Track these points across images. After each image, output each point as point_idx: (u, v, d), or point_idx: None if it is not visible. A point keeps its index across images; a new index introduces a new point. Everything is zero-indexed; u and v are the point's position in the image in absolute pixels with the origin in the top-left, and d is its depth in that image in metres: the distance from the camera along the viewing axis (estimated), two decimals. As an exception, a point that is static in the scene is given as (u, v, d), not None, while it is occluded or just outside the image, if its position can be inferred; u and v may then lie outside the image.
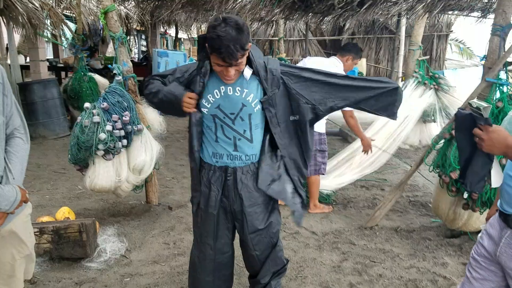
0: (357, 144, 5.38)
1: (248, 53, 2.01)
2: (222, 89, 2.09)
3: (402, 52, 10.56)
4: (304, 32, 13.28)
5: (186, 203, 4.45)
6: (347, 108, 4.14)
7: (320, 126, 4.10)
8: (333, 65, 4.19)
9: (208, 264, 2.32)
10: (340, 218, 4.20)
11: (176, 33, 13.77)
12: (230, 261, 2.41)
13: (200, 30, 15.66)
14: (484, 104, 1.49)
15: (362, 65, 12.71)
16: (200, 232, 2.32)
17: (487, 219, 1.91)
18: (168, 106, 2.18)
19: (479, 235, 1.88)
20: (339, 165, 5.20)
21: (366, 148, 4.23)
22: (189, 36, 15.74)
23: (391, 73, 12.14)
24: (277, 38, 9.81)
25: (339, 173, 5.06)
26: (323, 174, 4.23)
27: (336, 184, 4.80)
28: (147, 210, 4.24)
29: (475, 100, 1.56)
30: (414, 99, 5.57)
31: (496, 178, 1.59)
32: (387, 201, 3.96)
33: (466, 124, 1.55)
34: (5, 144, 1.83)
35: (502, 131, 1.49)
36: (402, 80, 7.36)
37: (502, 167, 1.65)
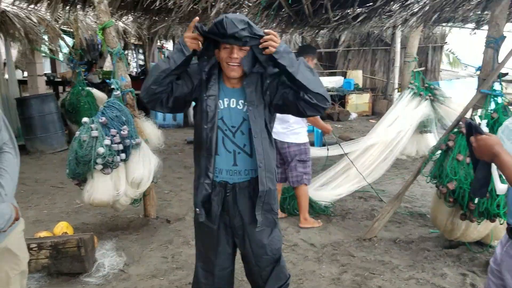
0: (354, 155, 5.41)
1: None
2: (226, 101, 2.12)
3: (397, 64, 10.67)
4: (300, 45, 13.41)
5: (184, 216, 4.44)
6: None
7: (299, 137, 4.11)
8: None
9: (211, 277, 2.33)
10: (339, 229, 4.20)
11: (173, 46, 13.87)
12: (231, 277, 2.40)
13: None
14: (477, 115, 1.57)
15: (358, 77, 12.82)
16: (202, 246, 2.34)
17: None
18: (169, 68, 2.03)
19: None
20: (336, 176, 5.21)
21: (328, 131, 4.46)
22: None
23: (387, 84, 12.26)
24: (273, 51, 9.85)
25: (336, 184, 5.07)
26: (307, 184, 4.21)
27: (335, 196, 4.81)
28: (145, 223, 4.23)
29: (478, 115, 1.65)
30: (410, 110, 5.61)
31: (500, 186, 1.66)
32: (385, 212, 3.97)
33: (467, 132, 1.66)
34: None
35: (490, 139, 1.56)
36: (398, 91, 7.42)
37: None
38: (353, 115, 11.69)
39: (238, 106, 2.13)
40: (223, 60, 2.05)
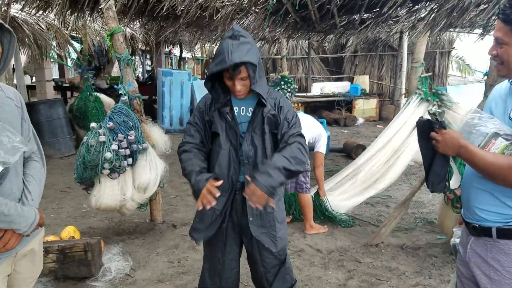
0: (361, 160, 5.39)
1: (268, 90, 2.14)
2: (236, 109, 2.18)
3: (404, 69, 10.64)
4: (307, 50, 13.43)
5: (190, 220, 4.41)
6: (322, 151, 4.27)
7: None
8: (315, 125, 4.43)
9: (217, 279, 2.34)
10: (345, 235, 4.18)
11: (181, 52, 13.94)
12: (237, 278, 2.41)
13: (204, 50, 15.86)
14: (439, 110, 1.60)
15: (365, 82, 12.80)
16: (209, 246, 2.35)
17: (460, 223, 1.96)
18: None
19: (453, 240, 1.93)
20: (343, 182, 5.20)
21: (322, 195, 4.53)
22: (193, 55, 15.92)
23: (394, 90, 12.23)
24: (280, 56, 9.92)
25: (343, 190, 5.05)
26: (308, 193, 4.22)
27: (350, 207, 4.74)
28: (151, 228, 4.24)
29: (432, 107, 1.68)
30: (417, 115, 5.58)
31: (454, 180, 1.70)
32: (392, 218, 3.95)
33: (425, 130, 1.69)
34: (23, 167, 1.84)
35: (454, 132, 1.61)
36: (405, 97, 7.38)
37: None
38: (360, 121, 11.66)
39: (248, 113, 2.19)
40: (228, 85, 2.12)
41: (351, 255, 3.73)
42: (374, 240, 3.94)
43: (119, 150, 3.50)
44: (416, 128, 1.75)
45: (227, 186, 2.17)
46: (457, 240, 1.98)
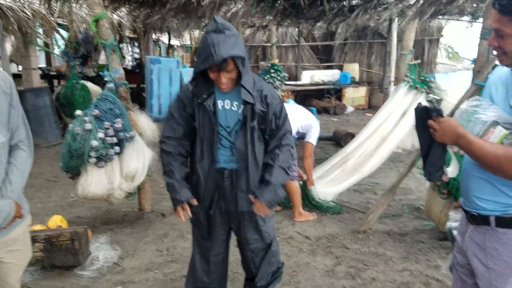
0: (350, 148, 5.41)
1: (252, 79, 2.11)
2: (220, 103, 2.15)
3: (393, 57, 10.64)
4: (297, 38, 13.37)
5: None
6: (312, 141, 4.28)
7: None
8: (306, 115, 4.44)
9: (207, 264, 2.38)
10: (334, 222, 4.20)
11: (169, 40, 13.79)
12: (225, 263, 2.47)
13: (193, 37, 15.70)
14: (437, 97, 1.57)
15: (354, 70, 12.79)
16: (198, 232, 2.38)
17: (458, 206, 1.94)
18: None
19: (448, 224, 1.94)
20: (332, 169, 5.21)
21: (310, 184, 4.53)
22: (182, 43, 15.76)
23: (383, 77, 12.26)
24: (269, 44, 9.84)
25: (332, 177, 5.07)
26: (294, 180, 4.22)
27: (337, 193, 4.76)
28: (140, 217, 4.22)
29: (431, 95, 1.65)
30: (406, 103, 5.59)
31: (453, 169, 1.67)
32: (379, 204, 3.98)
33: (423, 117, 1.64)
34: (9, 155, 1.80)
35: (453, 121, 1.57)
36: (394, 85, 7.41)
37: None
38: (350, 109, 11.67)
39: (233, 108, 2.16)
40: (213, 79, 2.07)
41: (339, 241, 3.76)
42: (362, 227, 3.97)
43: (106, 138, 3.47)
44: (414, 116, 1.69)
45: (213, 175, 2.18)
46: (453, 224, 1.98)
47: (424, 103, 1.66)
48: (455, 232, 1.89)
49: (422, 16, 4.37)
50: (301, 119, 4.29)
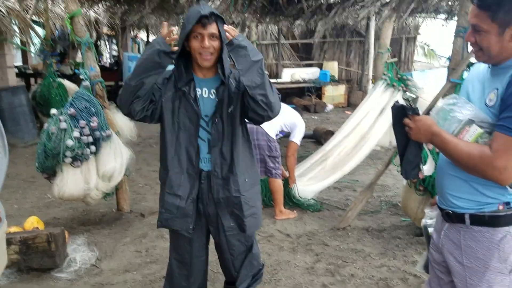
0: (330, 146, 5.45)
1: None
2: (198, 91, 2.10)
3: (371, 55, 10.75)
4: (277, 36, 13.39)
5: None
6: (296, 141, 4.30)
7: (269, 132, 4.13)
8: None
9: (185, 268, 2.31)
10: (314, 219, 4.23)
11: (147, 36, 13.65)
12: (205, 266, 2.39)
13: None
14: (413, 95, 1.58)
15: (334, 68, 12.89)
16: (175, 235, 2.30)
17: (433, 204, 1.95)
18: (147, 69, 2.00)
19: (424, 221, 1.95)
20: (313, 167, 5.25)
21: (292, 183, 4.56)
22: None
23: (362, 75, 12.38)
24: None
25: (313, 175, 5.10)
26: (278, 178, 4.23)
27: (317, 191, 4.79)
28: (118, 218, 4.17)
29: (407, 93, 1.66)
30: (384, 101, 5.66)
31: (429, 167, 1.69)
32: (358, 201, 4.02)
33: (399, 116, 1.65)
34: None
35: (428, 119, 1.58)
36: (372, 83, 7.49)
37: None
38: (330, 107, 11.76)
39: (211, 96, 2.12)
40: (195, 50, 2.03)
41: (319, 238, 3.79)
42: (341, 224, 4.00)
43: (81, 137, 3.41)
44: (391, 114, 1.69)
45: (191, 175, 2.13)
46: (429, 222, 1.99)
47: (401, 101, 1.66)
48: (430, 230, 1.90)
49: (398, 15, 4.43)
50: (286, 117, 4.29)
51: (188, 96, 2.08)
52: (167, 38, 2.00)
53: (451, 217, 1.64)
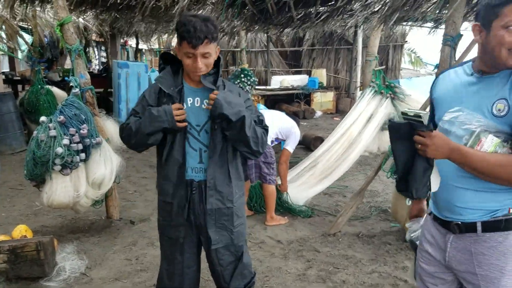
0: (319, 152, 5.48)
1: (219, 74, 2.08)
2: (190, 100, 2.09)
3: (359, 63, 10.88)
4: (266, 43, 13.47)
5: (149, 216, 4.37)
6: (290, 148, 4.33)
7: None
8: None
9: (176, 278, 2.28)
10: (305, 226, 4.24)
11: (137, 44, 13.62)
12: (196, 276, 2.36)
13: (161, 41, 15.56)
14: (422, 111, 1.53)
15: (322, 75, 12.99)
16: (166, 245, 2.29)
17: (411, 217, 1.95)
18: (151, 136, 2.06)
19: (408, 236, 1.94)
20: (303, 173, 5.28)
21: (284, 190, 4.58)
22: (150, 47, 15.59)
23: (350, 83, 12.50)
24: (239, 49, 9.85)
25: (303, 181, 5.13)
26: (271, 184, 4.25)
27: (309, 197, 4.82)
28: (107, 225, 4.14)
29: (408, 109, 1.60)
30: (372, 108, 5.73)
31: (435, 183, 1.64)
32: (348, 207, 4.05)
33: (402, 133, 1.57)
34: None
35: (443, 135, 1.53)
36: (360, 90, 7.56)
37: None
38: (318, 113, 11.84)
39: (203, 105, 2.10)
40: (187, 66, 2.02)
41: (310, 245, 3.80)
42: (331, 230, 4.02)
43: (71, 145, 3.39)
44: (389, 131, 1.62)
45: (182, 184, 2.11)
46: (413, 235, 1.98)
47: (394, 115, 1.62)
48: (417, 242, 1.89)
49: (386, 23, 4.49)
50: (282, 125, 4.33)
51: (176, 102, 2.07)
52: (176, 116, 2.00)
53: (460, 228, 1.62)
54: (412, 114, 1.52)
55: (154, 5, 4.75)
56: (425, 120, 1.50)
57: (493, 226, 1.57)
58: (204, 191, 2.12)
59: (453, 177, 1.60)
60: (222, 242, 2.20)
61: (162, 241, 2.32)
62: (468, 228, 1.61)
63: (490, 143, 1.50)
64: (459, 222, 1.62)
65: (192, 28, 1.90)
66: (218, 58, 2.10)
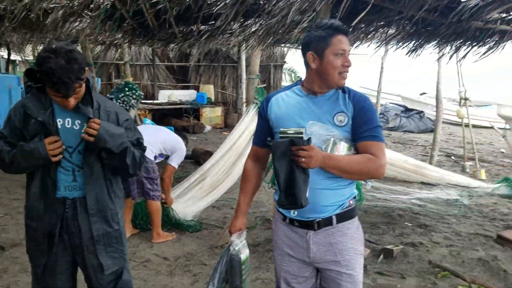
0: (208, 165, 5.57)
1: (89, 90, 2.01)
2: (60, 121, 2.01)
3: (244, 80, 11.32)
4: (151, 57, 13.31)
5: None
6: (174, 164, 4.37)
7: (147, 155, 4.13)
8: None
9: None
10: (193, 240, 4.27)
11: (9, 55, 12.45)
12: None
13: (36, 52, 14.43)
14: (300, 129, 1.74)
15: (210, 91, 13.23)
16: (37, 269, 2.14)
17: (233, 232, 2.12)
18: (28, 165, 2.01)
19: (230, 251, 2.08)
20: (191, 187, 5.30)
21: (169, 204, 4.59)
22: (24, 58, 14.34)
23: (237, 99, 12.94)
24: (122, 62, 9.61)
25: (192, 195, 5.15)
26: (156, 200, 4.19)
27: (197, 211, 4.84)
28: (-27, 254, 3.73)
29: (284, 128, 1.80)
30: (255, 123, 6.01)
31: None
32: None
33: (281, 150, 1.71)
34: None
35: (315, 147, 1.74)
36: (245, 106, 7.87)
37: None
38: (208, 128, 12.00)
39: (75, 126, 2.03)
40: (57, 102, 1.95)
41: (198, 258, 3.84)
42: (219, 242, 4.11)
43: None
44: (272, 150, 1.75)
45: (53, 203, 2.02)
46: (236, 249, 2.06)
47: (278, 137, 1.73)
48: (242, 256, 2.05)
49: (263, 44, 4.78)
50: (166, 142, 4.28)
51: (47, 127, 1.98)
52: (51, 151, 1.94)
53: (319, 224, 1.87)
54: (292, 132, 1.73)
55: (25, 15, 4.43)
56: (305, 136, 1.71)
57: (342, 216, 1.88)
58: (81, 208, 2.05)
59: (316, 181, 1.82)
60: (116, 265, 2.15)
61: (33, 266, 2.18)
62: (326, 222, 1.87)
63: (343, 148, 1.83)
64: (320, 219, 1.87)
65: (57, 79, 1.82)
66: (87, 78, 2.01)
